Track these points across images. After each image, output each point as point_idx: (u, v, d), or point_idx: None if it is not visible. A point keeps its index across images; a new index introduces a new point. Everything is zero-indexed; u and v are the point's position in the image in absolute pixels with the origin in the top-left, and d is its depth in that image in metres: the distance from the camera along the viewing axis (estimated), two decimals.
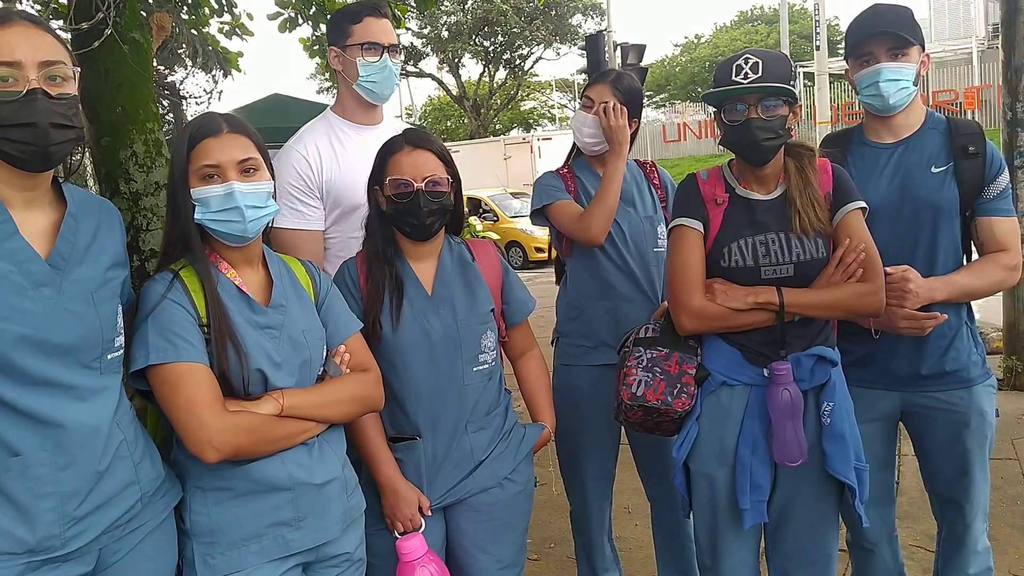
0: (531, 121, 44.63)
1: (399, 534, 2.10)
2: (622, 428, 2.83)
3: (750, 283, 2.10)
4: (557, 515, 4.04)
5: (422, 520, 2.12)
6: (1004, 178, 2.35)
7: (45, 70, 1.51)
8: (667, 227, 2.76)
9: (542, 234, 15.72)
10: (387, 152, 2.17)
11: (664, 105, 45.71)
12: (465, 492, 2.19)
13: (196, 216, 1.78)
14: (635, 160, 2.92)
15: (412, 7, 6.49)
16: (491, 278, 2.27)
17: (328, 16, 6.58)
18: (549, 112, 45.82)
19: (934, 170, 2.33)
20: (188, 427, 1.67)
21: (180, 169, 1.79)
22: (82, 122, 1.59)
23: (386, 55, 2.60)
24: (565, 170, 2.86)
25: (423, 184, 2.10)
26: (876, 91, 2.31)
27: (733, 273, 2.12)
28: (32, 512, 1.51)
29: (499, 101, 38.96)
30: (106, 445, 1.60)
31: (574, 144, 2.91)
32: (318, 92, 34.82)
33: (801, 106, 2.09)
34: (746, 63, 2.04)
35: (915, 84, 2.34)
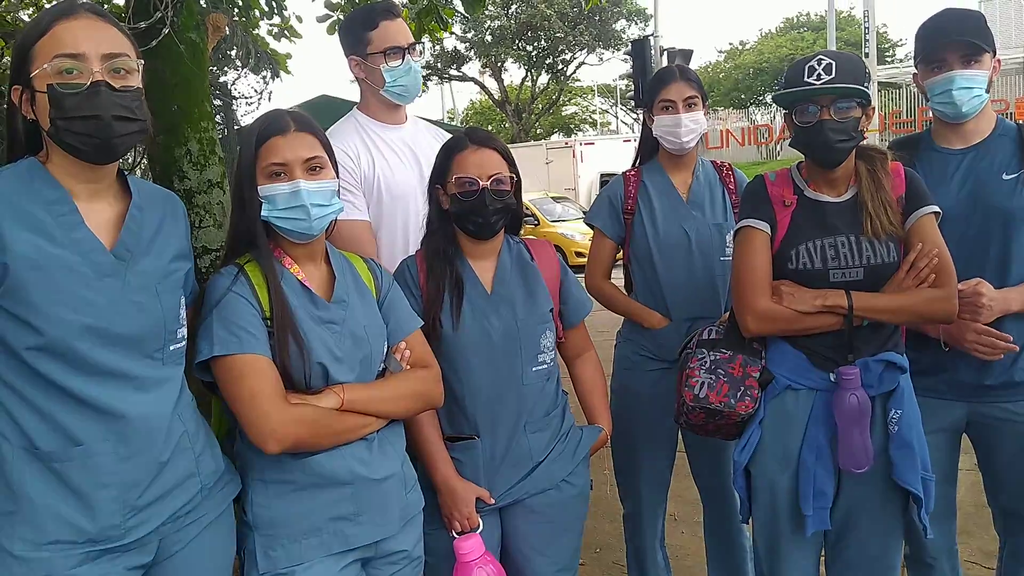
0: (572, 126, 44.53)
1: (457, 534, 2.09)
2: (679, 434, 2.82)
3: (818, 286, 2.06)
4: (603, 520, 4.01)
5: (480, 520, 2.11)
6: None
7: (109, 62, 1.52)
8: None
9: (582, 239, 15.64)
10: (451, 151, 2.16)
11: (707, 112, 45.34)
12: (522, 493, 2.18)
13: (263, 213, 1.79)
14: (711, 162, 2.89)
15: (458, 12, 6.50)
16: (549, 278, 2.26)
17: None
18: (591, 117, 45.73)
19: (1005, 177, 2.28)
20: (250, 418, 1.68)
21: (247, 166, 1.80)
22: (147, 114, 1.59)
23: (407, 56, 2.61)
24: (632, 172, 2.84)
25: (488, 182, 2.09)
26: (949, 99, 2.26)
27: (801, 275, 2.08)
28: (93, 501, 1.53)
29: (541, 106, 38.96)
30: (167, 436, 1.62)
31: (640, 146, 2.89)
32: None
33: (874, 108, 2.05)
34: (819, 64, 2.00)
35: (987, 91, 2.29)
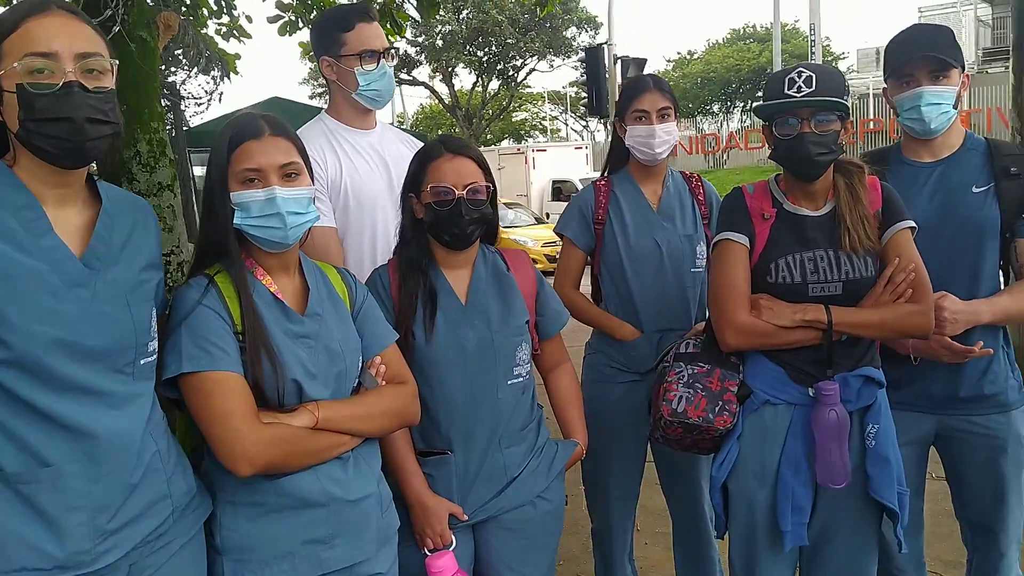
0: (522, 132, 44.66)
1: (429, 551, 2.04)
2: (648, 446, 2.79)
3: (797, 300, 2.05)
4: (567, 532, 3.94)
5: (452, 537, 2.06)
6: None
7: (82, 62, 1.44)
8: (708, 244, 2.73)
9: (535, 244, 15.64)
10: (425, 159, 2.11)
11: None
12: (496, 509, 2.13)
13: (235, 221, 1.71)
14: (681, 173, 2.87)
15: (412, 17, 6.46)
16: (526, 289, 2.21)
17: None
18: (540, 124, 45.89)
19: (975, 190, 2.30)
20: (221, 439, 1.61)
21: (219, 172, 1.72)
22: (120, 117, 1.51)
23: (382, 60, 2.56)
24: (603, 182, 2.81)
25: (465, 192, 2.04)
26: (917, 115, 2.28)
27: (780, 289, 2.07)
28: (62, 526, 1.44)
29: (491, 111, 38.97)
30: (139, 456, 1.53)
31: (610, 155, 2.86)
32: (311, 97, 34.64)
33: (852, 122, 2.05)
34: (799, 76, 1.99)
35: (955, 107, 2.31)
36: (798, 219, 2.11)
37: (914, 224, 2.10)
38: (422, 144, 2.76)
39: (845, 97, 2.02)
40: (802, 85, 1.98)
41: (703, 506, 2.80)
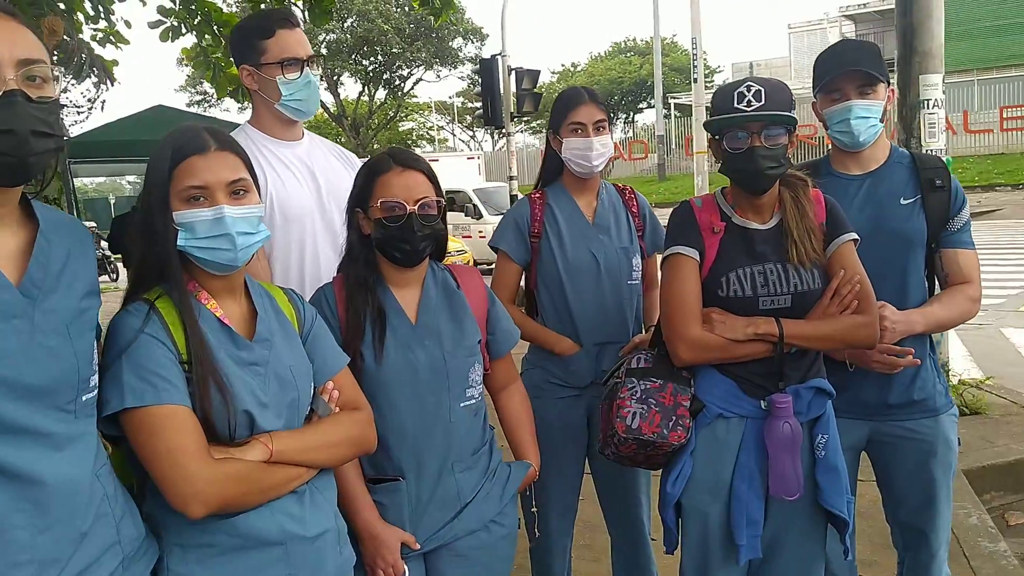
0: (410, 142, 44.44)
1: None
2: (586, 461, 2.76)
3: (747, 313, 2.06)
4: None
5: (405, 567, 1.97)
6: (966, 211, 2.42)
7: (24, 69, 1.30)
8: (642, 256, 2.72)
9: None
10: (374, 172, 2.02)
11: (540, 131, 46.46)
12: (450, 536, 2.05)
13: (179, 242, 1.58)
14: (615, 185, 2.86)
15: (302, 26, 6.28)
16: (477, 307, 2.15)
17: (215, 27, 6.32)
18: (428, 134, 45.80)
19: (903, 202, 2.38)
20: (171, 478, 1.47)
21: (160, 189, 1.59)
22: (63, 129, 1.37)
23: (306, 68, 2.46)
24: (537, 195, 2.78)
25: (416, 207, 1.96)
26: (847, 128, 2.34)
27: (731, 303, 2.08)
28: None
29: (378, 121, 38.62)
30: (88, 501, 1.38)
31: (544, 167, 2.82)
32: (188, 105, 33.28)
33: (797, 135, 2.08)
34: (748, 91, 2.00)
35: (881, 120, 2.38)
36: (747, 232, 2.12)
37: (857, 236, 2.14)
38: (352, 155, 2.67)
39: (792, 111, 2.04)
40: (752, 99, 1.99)
41: (643, 520, 2.79)
